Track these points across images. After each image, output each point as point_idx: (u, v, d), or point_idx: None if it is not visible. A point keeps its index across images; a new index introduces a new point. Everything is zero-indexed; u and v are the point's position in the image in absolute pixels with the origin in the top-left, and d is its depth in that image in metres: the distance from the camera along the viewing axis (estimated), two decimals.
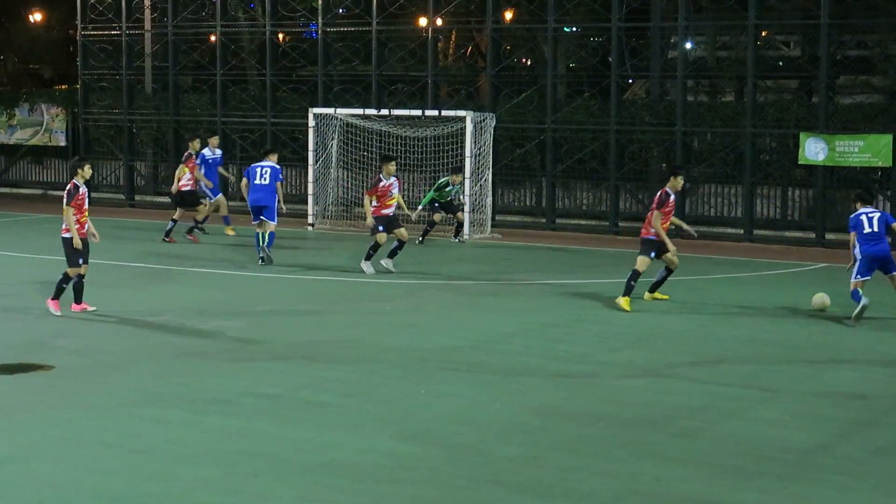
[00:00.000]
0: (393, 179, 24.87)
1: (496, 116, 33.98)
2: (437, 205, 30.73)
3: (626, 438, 12.74)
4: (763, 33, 38.73)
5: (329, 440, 12.48)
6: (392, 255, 25.03)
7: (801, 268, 27.48)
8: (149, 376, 15.39)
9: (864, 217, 20.34)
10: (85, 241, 19.61)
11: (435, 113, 33.74)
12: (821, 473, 11.58)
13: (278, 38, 40.34)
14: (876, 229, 20.18)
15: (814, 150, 31.24)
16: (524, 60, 46.48)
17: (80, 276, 19.78)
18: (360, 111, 34.76)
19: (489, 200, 33.53)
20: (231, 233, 31.00)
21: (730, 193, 34.32)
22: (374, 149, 34.67)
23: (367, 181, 34.01)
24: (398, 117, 34.26)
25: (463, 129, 32.79)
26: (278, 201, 26.59)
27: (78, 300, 19.89)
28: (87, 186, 19.72)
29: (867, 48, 40.42)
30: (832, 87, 33.62)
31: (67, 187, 19.63)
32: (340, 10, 39.29)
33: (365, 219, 25.36)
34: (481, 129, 33.17)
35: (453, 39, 46.49)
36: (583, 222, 35.37)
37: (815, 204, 32.48)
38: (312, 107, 35.54)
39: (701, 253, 29.24)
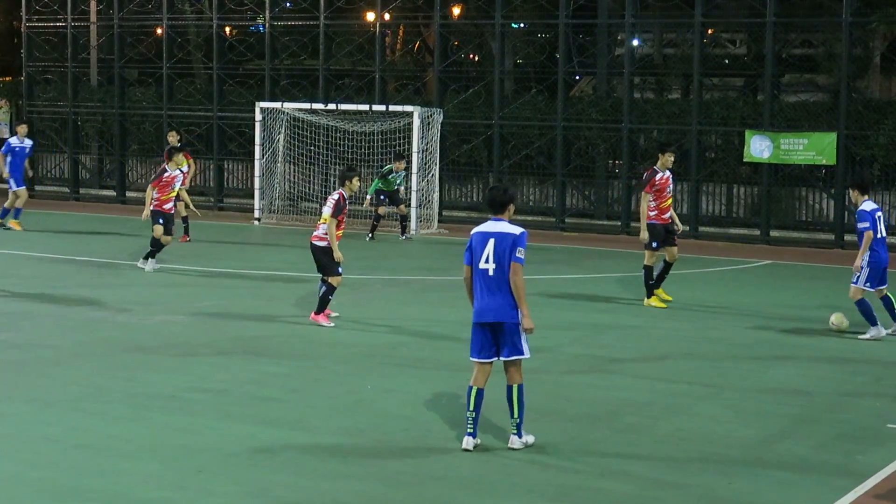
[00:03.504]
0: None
1: (443, 112, 33.97)
2: (382, 196, 30.58)
3: (570, 434, 12.77)
4: (709, 31, 38.91)
5: (273, 435, 12.44)
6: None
7: (746, 265, 27.65)
8: (92, 371, 15.28)
9: (877, 215, 17.91)
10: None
11: (382, 108, 33.70)
12: (764, 469, 11.65)
13: (225, 32, 40.16)
14: (884, 233, 18.05)
15: (759, 147, 31.42)
16: (472, 56, 46.49)
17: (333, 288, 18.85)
18: (307, 105, 34.68)
19: (436, 196, 33.52)
20: (17, 227, 30.08)
21: (675, 190, 34.37)
22: (322, 143, 34.60)
23: (314, 176, 34.02)
24: (345, 112, 34.20)
25: (410, 125, 32.77)
26: None
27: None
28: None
29: (812, 47, 40.70)
30: (777, 86, 33.83)
31: (336, 197, 18.38)
32: (287, 4, 39.19)
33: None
34: (428, 124, 33.16)
35: (401, 34, 46.43)
36: (529, 218, 35.40)
37: (759, 201, 32.68)
38: (259, 101, 35.41)
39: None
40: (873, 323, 18.06)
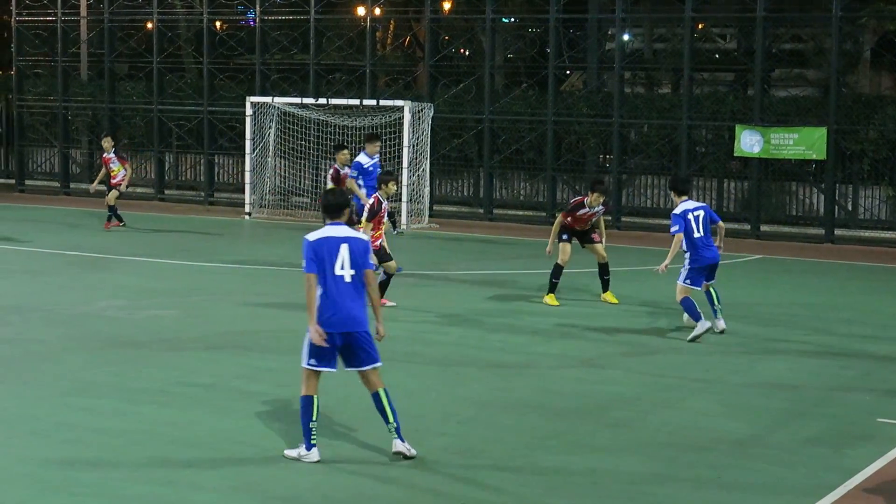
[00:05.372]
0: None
1: (434, 106, 33.96)
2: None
3: (559, 429, 12.77)
4: (699, 26, 38.96)
5: (262, 430, 12.43)
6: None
7: (736, 259, 27.64)
8: (81, 366, 15.26)
9: (690, 215, 17.74)
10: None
11: (373, 102, 33.67)
12: (753, 463, 11.66)
13: (215, 26, 40.11)
14: (703, 232, 17.80)
15: (749, 142, 31.45)
16: (462, 51, 46.49)
17: (389, 275, 19.13)
18: (297, 100, 34.65)
19: (427, 190, 33.51)
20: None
21: (665, 185, 34.47)
22: (312, 138, 34.57)
23: (304, 170, 33.98)
24: (336, 106, 34.17)
25: (401, 119, 32.75)
26: None
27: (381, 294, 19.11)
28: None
29: (802, 42, 40.76)
30: (767, 80, 33.87)
31: (371, 202, 18.61)
32: None
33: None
34: (419, 118, 33.14)
35: (392, 29, 46.42)
36: (520, 213, 35.45)
37: (750, 196, 32.71)
38: (250, 95, 35.39)
39: (636, 244, 29.36)
40: (697, 319, 17.66)
